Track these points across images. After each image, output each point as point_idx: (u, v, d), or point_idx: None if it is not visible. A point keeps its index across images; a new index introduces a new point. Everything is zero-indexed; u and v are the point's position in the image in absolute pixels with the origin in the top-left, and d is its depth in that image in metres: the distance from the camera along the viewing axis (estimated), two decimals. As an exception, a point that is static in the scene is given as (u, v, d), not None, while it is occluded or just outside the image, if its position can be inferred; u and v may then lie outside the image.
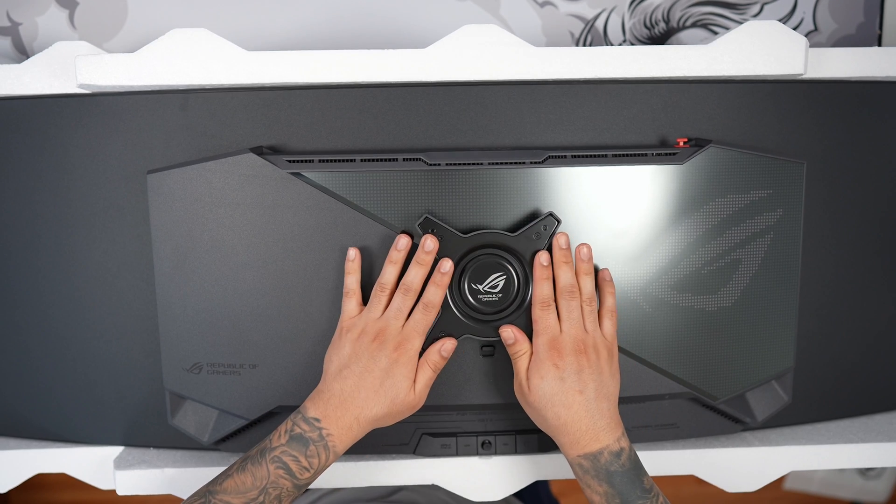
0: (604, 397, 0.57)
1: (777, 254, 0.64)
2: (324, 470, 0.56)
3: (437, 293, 0.59)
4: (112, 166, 0.64)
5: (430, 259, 0.59)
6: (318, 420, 0.55)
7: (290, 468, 0.54)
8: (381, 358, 0.56)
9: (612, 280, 0.62)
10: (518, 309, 0.60)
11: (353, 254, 0.60)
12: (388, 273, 0.59)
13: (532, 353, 0.59)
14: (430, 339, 0.60)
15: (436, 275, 0.59)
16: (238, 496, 0.53)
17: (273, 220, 0.61)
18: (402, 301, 0.58)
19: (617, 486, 0.56)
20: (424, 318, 0.58)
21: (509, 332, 0.60)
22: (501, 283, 0.60)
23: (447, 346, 0.59)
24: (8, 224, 0.66)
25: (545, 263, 0.60)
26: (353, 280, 0.60)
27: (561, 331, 0.58)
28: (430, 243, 0.59)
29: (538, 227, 0.59)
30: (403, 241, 0.59)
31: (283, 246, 0.61)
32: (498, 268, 0.60)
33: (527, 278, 0.60)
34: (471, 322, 0.60)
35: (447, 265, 0.59)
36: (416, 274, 0.59)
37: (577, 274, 0.60)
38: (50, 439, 0.71)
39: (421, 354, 0.59)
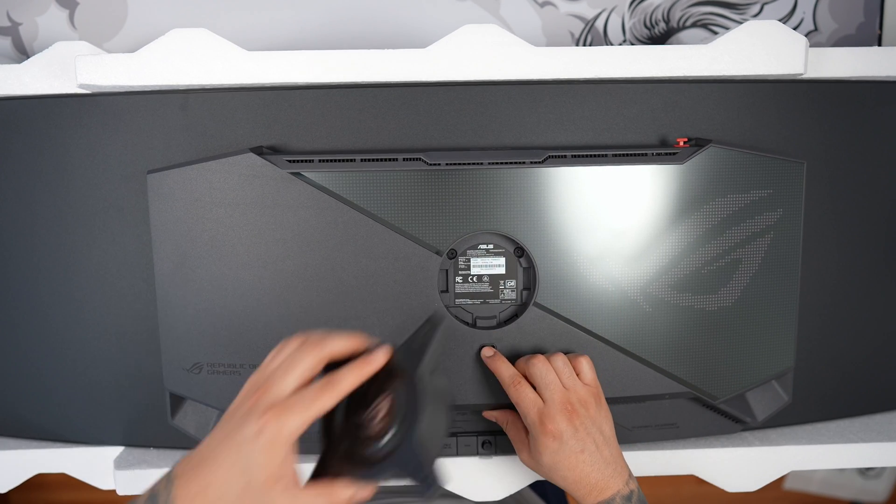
0: (604, 445, 0.58)
1: (777, 254, 0.64)
2: None
3: (351, 378, 0.46)
4: (112, 166, 0.64)
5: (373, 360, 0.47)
6: (175, 478, 0.44)
7: None
8: (248, 423, 0.43)
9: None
10: (401, 442, 0.46)
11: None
12: (320, 335, 0.48)
13: (516, 420, 0.62)
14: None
15: (362, 359, 0.47)
16: None
17: (273, 220, 0.61)
18: (296, 356, 0.46)
19: None
20: (318, 395, 0.44)
21: (491, 417, 0.65)
22: (384, 409, 0.47)
23: (360, 496, 0.46)
24: (8, 224, 0.66)
25: (490, 354, 0.62)
26: (278, 348, 0.48)
27: (544, 400, 0.58)
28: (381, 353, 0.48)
29: (421, 329, 0.54)
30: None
31: (283, 246, 0.61)
32: (385, 388, 0.47)
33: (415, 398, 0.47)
34: (349, 462, 0.46)
35: (382, 355, 0.47)
36: (341, 340, 0.47)
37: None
38: (50, 439, 0.71)
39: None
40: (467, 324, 0.63)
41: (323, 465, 0.46)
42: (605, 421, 0.59)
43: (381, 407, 0.47)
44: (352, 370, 0.46)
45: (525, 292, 0.64)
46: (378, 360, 0.47)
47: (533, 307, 0.62)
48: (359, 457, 0.46)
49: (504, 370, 0.60)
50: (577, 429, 0.57)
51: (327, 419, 0.47)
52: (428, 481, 0.44)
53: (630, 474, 0.58)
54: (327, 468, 0.46)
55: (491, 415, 0.64)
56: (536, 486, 0.90)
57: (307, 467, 0.65)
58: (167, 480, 0.44)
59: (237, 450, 0.43)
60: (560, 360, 0.60)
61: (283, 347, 0.48)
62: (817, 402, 0.72)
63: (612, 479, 0.57)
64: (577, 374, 0.60)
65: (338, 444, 0.47)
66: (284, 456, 0.43)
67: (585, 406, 0.58)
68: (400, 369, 0.47)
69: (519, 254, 0.63)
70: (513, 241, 0.62)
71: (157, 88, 0.63)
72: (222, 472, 0.43)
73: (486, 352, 0.63)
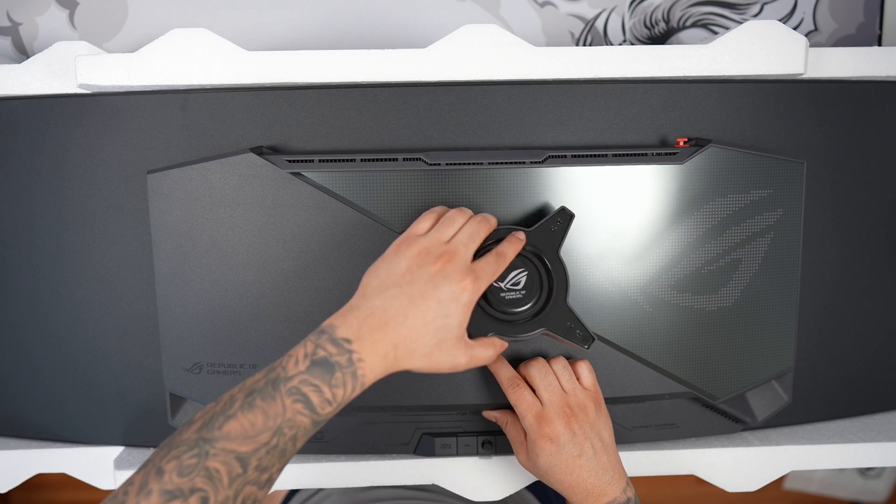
0: (602, 451, 0.57)
1: (777, 254, 0.64)
2: (345, 404, 0.46)
3: (511, 249, 0.54)
4: (112, 166, 0.64)
5: (494, 224, 0.56)
6: (348, 341, 0.45)
7: (310, 401, 0.44)
8: (443, 286, 0.48)
9: None
10: (545, 306, 0.58)
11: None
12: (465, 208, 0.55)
13: (515, 421, 0.61)
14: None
15: (512, 236, 0.56)
16: (246, 441, 0.42)
17: (273, 220, 0.61)
18: (477, 229, 0.52)
19: None
20: (496, 264, 0.52)
21: (491, 417, 0.64)
22: (524, 280, 0.58)
23: (504, 344, 0.56)
24: (8, 224, 0.66)
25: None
26: (434, 216, 0.54)
27: (542, 403, 0.58)
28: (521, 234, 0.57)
29: (553, 221, 0.59)
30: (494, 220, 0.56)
31: (283, 246, 0.61)
32: (517, 264, 0.58)
33: (549, 273, 0.58)
34: (495, 322, 0.57)
35: (523, 235, 0.56)
36: (491, 217, 0.55)
37: None
38: (50, 439, 0.71)
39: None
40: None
41: (475, 322, 0.55)
42: (604, 427, 0.59)
43: (521, 278, 0.58)
44: (511, 244, 0.55)
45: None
46: (523, 237, 0.56)
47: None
48: (506, 316, 0.58)
49: (503, 372, 0.60)
50: (575, 433, 0.57)
51: None
52: (584, 336, 0.58)
53: (628, 482, 0.58)
54: (480, 325, 0.56)
55: (491, 415, 0.64)
56: (537, 489, 0.90)
57: (307, 467, 0.65)
58: (336, 345, 0.45)
59: (436, 308, 0.47)
60: (560, 363, 0.60)
61: (445, 218, 0.53)
62: (817, 402, 0.72)
63: (609, 485, 0.57)
64: (577, 379, 0.60)
65: (482, 306, 0.57)
66: (469, 315, 0.50)
67: (584, 410, 0.58)
68: (534, 248, 0.58)
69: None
70: None
71: (157, 88, 0.63)
72: (419, 329, 0.47)
73: None
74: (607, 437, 0.59)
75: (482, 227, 0.53)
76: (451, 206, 0.60)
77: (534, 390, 0.59)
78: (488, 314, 0.57)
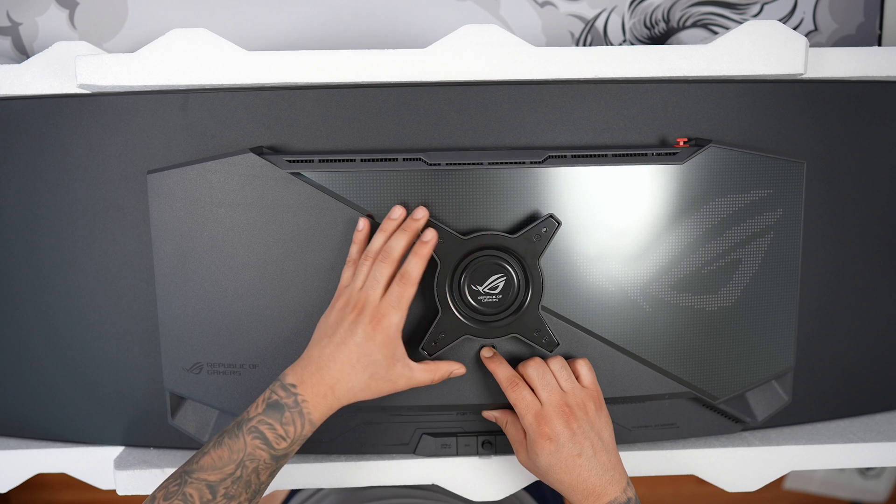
0: (602, 451, 0.57)
1: (777, 254, 0.64)
2: (301, 441, 0.54)
3: (416, 265, 0.57)
4: (112, 166, 0.64)
5: (417, 227, 0.58)
6: (294, 386, 0.54)
7: (266, 438, 0.52)
8: (357, 332, 0.55)
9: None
10: (517, 311, 0.60)
11: (362, 224, 0.59)
12: (377, 241, 0.58)
13: (515, 421, 0.61)
14: (436, 340, 0.60)
15: (417, 244, 0.58)
16: (215, 472, 0.51)
17: (273, 220, 0.61)
18: (379, 270, 0.56)
19: None
20: (401, 291, 0.56)
21: (491, 417, 0.64)
22: (501, 285, 0.60)
23: (458, 371, 0.60)
24: (8, 224, 0.66)
25: (489, 355, 0.62)
26: (355, 250, 0.59)
27: (541, 402, 0.58)
28: (420, 212, 0.58)
29: (538, 228, 0.59)
30: (398, 211, 0.59)
31: (283, 246, 0.61)
32: (498, 269, 0.59)
33: (527, 280, 0.60)
34: (471, 323, 0.60)
35: (430, 234, 0.58)
36: (398, 241, 0.57)
37: None
38: (50, 439, 0.71)
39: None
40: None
41: (442, 325, 0.60)
42: (604, 426, 0.59)
43: (499, 283, 0.60)
44: (417, 257, 0.57)
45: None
46: (429, 237, 0.58)
47: (533, 307, 0.62)
48: (480, 317, 0.60)
49: (502, 371, 0.60)
50: (575, 432, 0.57)
51: (441, 289, 0.59)
52: (549, 342, 0.61)
53: (628, 482, 0.58)
54: (454, 327, 0.60)
55: (490, 415, 0.64)
56: (535, 490, 0.90)
57: (307, 466, 0.65)
58: (285, 390, 0.54)
59: (357, 350, 0.55)
60: (558, 363, 0.60)
61: (358, 266, 0.58)
62: (817, 402, 0.72)
63: (609, 485, 0.56)
64: (577, 378, 0.60)
65: (458, 307, 0.60)
66: (396, 344, 0.56)
67: (583, 409, 0.58)
68: (516, 255, 0.60)
69: None
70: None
71: (157, 88, 0.63)
72: (347, 370, 0.55)
73: (486, 352, 0.63)
74: (607, 436, 0.59)
75: (379, 268, 0.57)
76: (451, 205, 0.61)
77: (533, 391, 0.59)
78: (463, 315, 0.60)
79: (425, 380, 0.58)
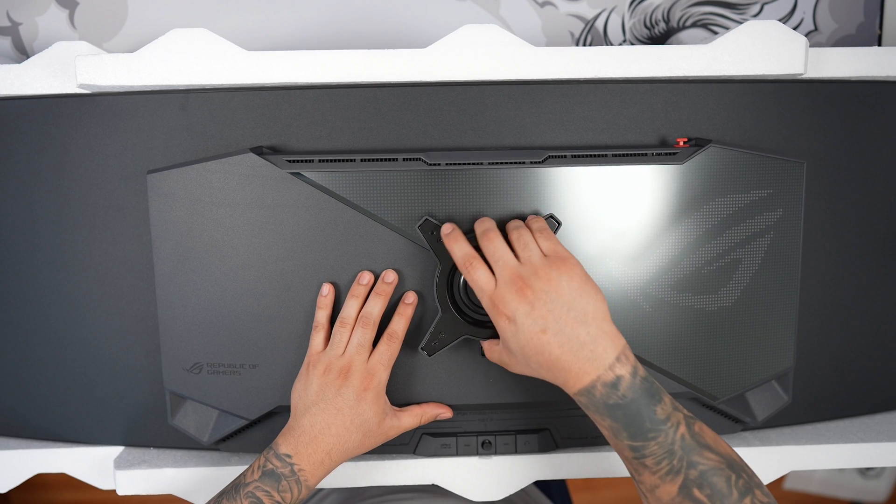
0: (577, 322, 0.49)
1: (777, 254, 0.64)
2: (298, 502, 0.56)
3: (402, 324, 0.60)
4: (112, 166, 0.64)
5: (389, 290, 0.60)
6: (289, 456, 0.55)
7: (262, 503, 0.54)
8: (348, 395, 0.56)
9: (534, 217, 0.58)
10: None
11: (326, 290, 0.61)
12: (350, 307, 0.59)
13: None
14: (436, 340, 0.60)
15: (400, 306, 0.60)
16: None
17: (273, 220, 0.61)
18: (363, 335, 0.58)
19: (620, 419, 0.49)
20: (389, 349, 0.59)
21: (484, 345, 0.61)
22: None
23: (445, 414, 0.63)
24: (7, 224, 0.66)
25: (448, 231, 0.57)
26: (323, 315, 0.60)
27: (496, 280, 0.52)
28: (390, 275, 0.60)
29: None
30: (367, 277, 0.61)
31: (283, 246, 0.61)
32: None
33: None
34: (471, 323, 0.60)
35: (411, 297, 0.61)
36: (374, 306, 0.59)
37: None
38: (50, 439, 0.71)
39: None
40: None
41: (442, 326, 0.60)
42: (579, 296, 0.50)
43: None
44: (400, 317, 0.60)
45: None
46: (411, 299, 0.60)
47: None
48: (477, 317, 0.60)
49: (458, 249, 0.55)
50: (534, 305, 0.49)
51: (441, 289, 0.60)
52: None
53: (619, 357, 0.49)
54: (452, 326, 0.60)
55: (485, 345, 0.60)
56: (541, 485, 0.90)
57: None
58: (280, 459, 0.55)
59: (350, 412, 0.56)
60: (516, 232, 0.54)
61: (334, 333, 0.59)
62: (817, 402, 0.72)
63: (588, 362, 0.48)
64: (537, 242, 0.54)
65: (458, 307, 0.60)
66: (384, 399, 0.58)
67: (541, 278, 0.50)
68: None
69: None
70: None
71: (157, 88, 0.63)
72: (342, 434, 0.56)
73: (445, 229, 0.57)
74: (585, 308, 0.50)
75: (361, 333, 0.58)
76: (451, 206, 0.61)
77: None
78: (463, 315, 0.60)
79: (413, 425, 0.61)
